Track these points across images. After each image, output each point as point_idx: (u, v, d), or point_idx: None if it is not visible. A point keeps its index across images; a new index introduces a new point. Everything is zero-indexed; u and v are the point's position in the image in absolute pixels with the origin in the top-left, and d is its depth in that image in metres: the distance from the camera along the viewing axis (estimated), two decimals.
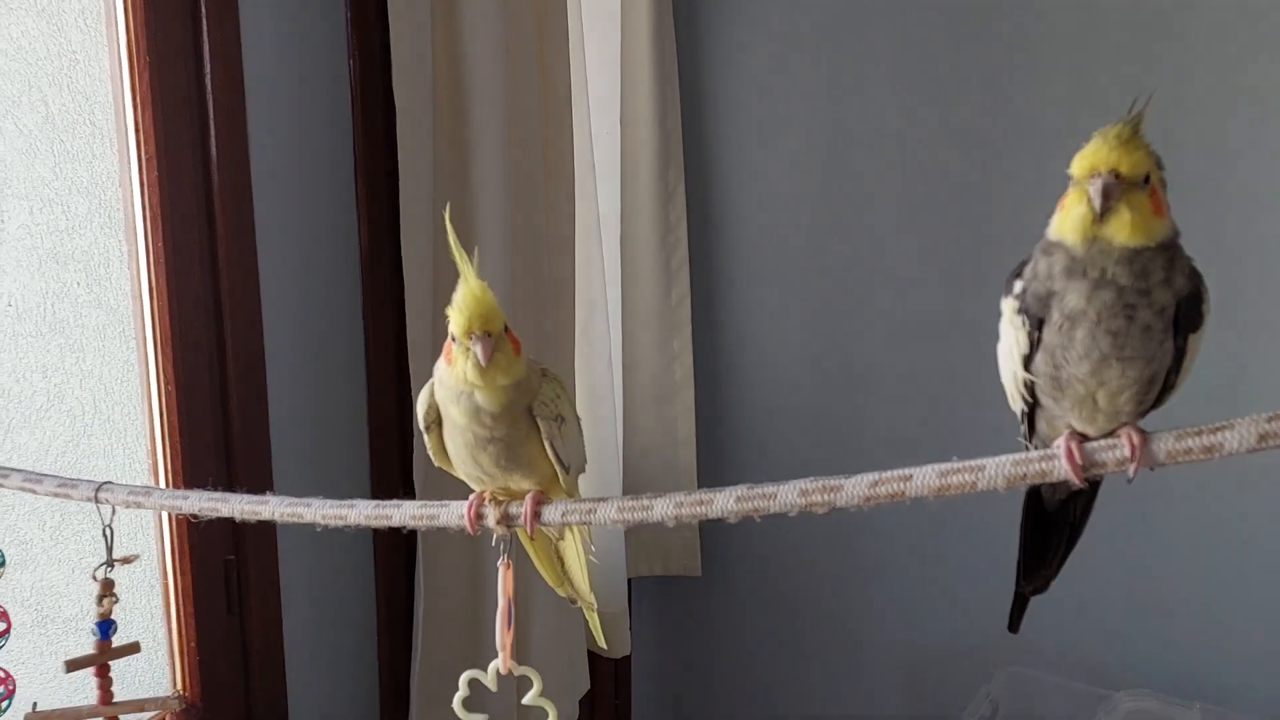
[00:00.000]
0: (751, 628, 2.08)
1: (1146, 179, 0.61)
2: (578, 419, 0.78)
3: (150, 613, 1.37)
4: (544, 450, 0.74)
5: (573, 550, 0.88)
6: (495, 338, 0.70)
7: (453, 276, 0.73)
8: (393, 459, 1.55)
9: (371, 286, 1.50)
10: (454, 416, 0.74)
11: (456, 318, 0.71)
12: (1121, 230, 0.60)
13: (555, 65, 1.60)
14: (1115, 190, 0.60)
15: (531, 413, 0.73)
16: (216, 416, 1.35)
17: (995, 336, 0.69)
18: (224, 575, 1.35)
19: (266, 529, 1.37)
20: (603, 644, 1.02)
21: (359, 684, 1.58)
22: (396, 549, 1.57)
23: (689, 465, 2.02)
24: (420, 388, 1.42)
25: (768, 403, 2.01)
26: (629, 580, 1.99)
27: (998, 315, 0.67)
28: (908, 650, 1.94)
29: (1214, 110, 1.60)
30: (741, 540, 2.05)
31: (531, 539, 0.78)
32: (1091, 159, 0.61)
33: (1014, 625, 0.81)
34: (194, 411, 1.32)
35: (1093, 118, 0.65)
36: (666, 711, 2.20)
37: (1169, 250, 0.61)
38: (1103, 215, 0.60)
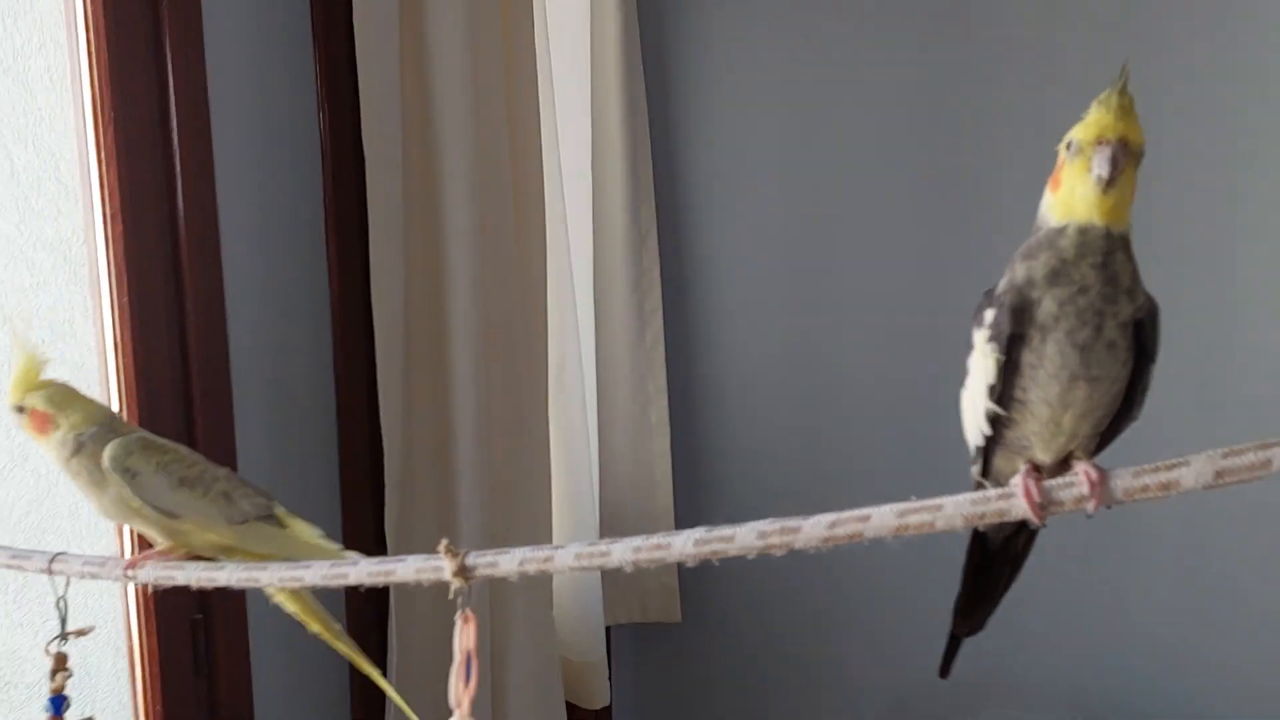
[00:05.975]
0: (733, 674, 2.05)
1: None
2: (159, 467, 0.84)
3: (115, 675, 1.34)
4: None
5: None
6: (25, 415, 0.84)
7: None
8: (366, 507, 1.54)
9: (342, 331, 1.50)
10: None
11: None
12: (1107, 212, 0.56)
13: (524, 109, 1.61)
14: (1121, 160, 0.55)
15: None
16: None
17: None
18: (191, 635, 1.32)
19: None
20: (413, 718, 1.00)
21: None
22: (369, 603, 1.55)
23: (666, 508, 2.01)
24: (390, 407, 1.45)
25: (746, 444, 2.00)
26: (608, 628, 1.96)
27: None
28: (891, 694, 1.92)
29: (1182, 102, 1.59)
30: (721, 585, 2.04)
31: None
32: (1098, 126, 0.56)
33: (944, 671, 0.77)
34: None
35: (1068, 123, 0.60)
36: None
37: (1128, 250, 0.57)
38: (1108, 186, 0.55)
